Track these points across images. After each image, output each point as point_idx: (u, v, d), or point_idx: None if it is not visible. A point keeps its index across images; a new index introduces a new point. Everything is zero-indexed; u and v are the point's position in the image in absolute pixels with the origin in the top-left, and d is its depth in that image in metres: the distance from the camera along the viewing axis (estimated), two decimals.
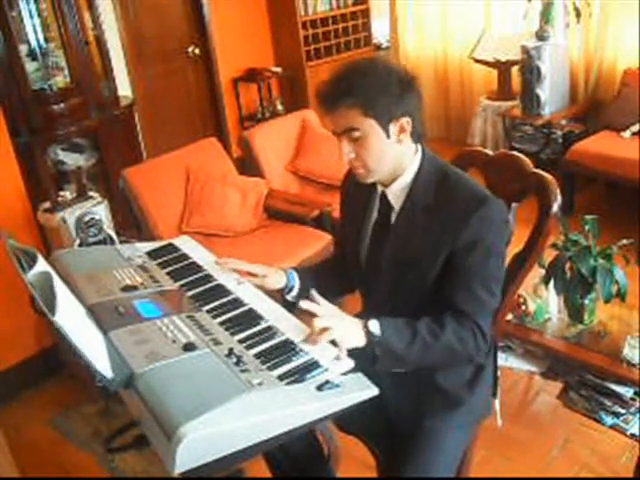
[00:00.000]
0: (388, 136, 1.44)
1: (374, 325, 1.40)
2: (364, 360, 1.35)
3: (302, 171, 3.54)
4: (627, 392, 2.38)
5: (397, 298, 1.55)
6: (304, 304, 1.41)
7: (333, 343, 1.36)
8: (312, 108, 4.14)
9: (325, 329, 1.35)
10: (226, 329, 1.42)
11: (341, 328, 1.37)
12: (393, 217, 1.55)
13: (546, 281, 2.42)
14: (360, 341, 1.38)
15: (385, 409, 1.53)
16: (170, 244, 1.86)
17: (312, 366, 1.30)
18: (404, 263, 1.52)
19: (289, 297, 1.69)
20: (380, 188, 1.57)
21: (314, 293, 1.44)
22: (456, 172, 1.53)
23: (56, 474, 2.44)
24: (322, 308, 1.41)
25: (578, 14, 4.20)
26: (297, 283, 1.67)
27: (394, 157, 1.48)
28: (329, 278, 1.77)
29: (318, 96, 1.46)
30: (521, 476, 2.19)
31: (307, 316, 1.40)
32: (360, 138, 1.43)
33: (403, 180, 1.52)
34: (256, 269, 1.64)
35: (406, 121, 1.44)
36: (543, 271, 2.42)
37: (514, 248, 1.69)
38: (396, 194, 1.53)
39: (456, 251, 1.45)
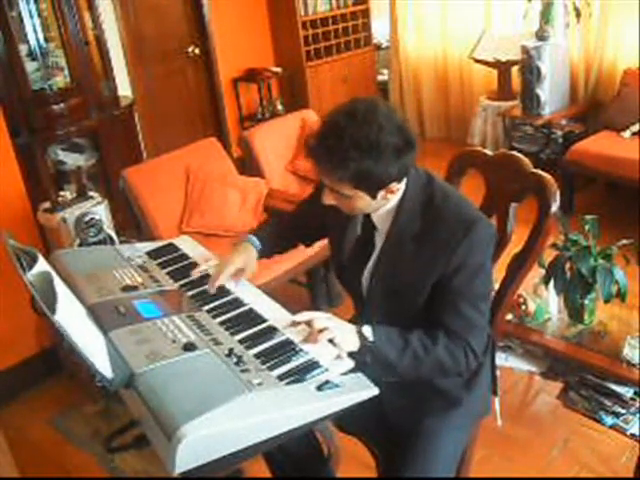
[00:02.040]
0: (375, 199, 1.42)
1: (367, 331, 1.41)
2: (355, 366, 1.35)
3: (302, 171, 3.54)
4: (627, 392, 2.38)
5: (387, 319, 1.52)
6: (297, 317, 1.42)
7: (332, 345, 1.37)
8: (312, 108, 4.15)
9: (325, 328, 1.37)
10: (226, 329, 1.42)
11: (338, 329, 1.39)
12: (377, 237, 1.53)
13: (546, 281, 2.42)
14: (354, 345, 1.39)
15: (384, 409, 1.54)
16: (170, 244, 1.86)
17: (312, 366, 1.31)
18: (394, 291, 1.51)
19: None
20: None
21: (302, 315, 1.43)
22: (442, 190, 1.49)
23: (56, 474, 2.44)
24: (316, 314, 1.42)
25: (578, 14, 4.21)
26: (258, 246, 1.70)
27: (378, 206, 1.47)
28: (283, 234, 1.80)
29: (307, 148, 1.39)
30: (521, 476, 2.19)
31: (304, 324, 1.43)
32: (346, 198, 1.41)
33: (388, 206, 1.49)
34: (237, 265, 1.64)
35: (396, 187, 1.42)
36: (543, 271, 2.42)
37: (514, 248, 1.69)
38: (381, 217, 1.51)
39: (444, 275, 1.44)
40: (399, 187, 1.43)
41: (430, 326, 1.46)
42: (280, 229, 1.82)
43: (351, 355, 1.37)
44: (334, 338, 1.37)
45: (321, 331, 1.37)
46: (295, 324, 1.43)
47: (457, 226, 1.42)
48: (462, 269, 1.42)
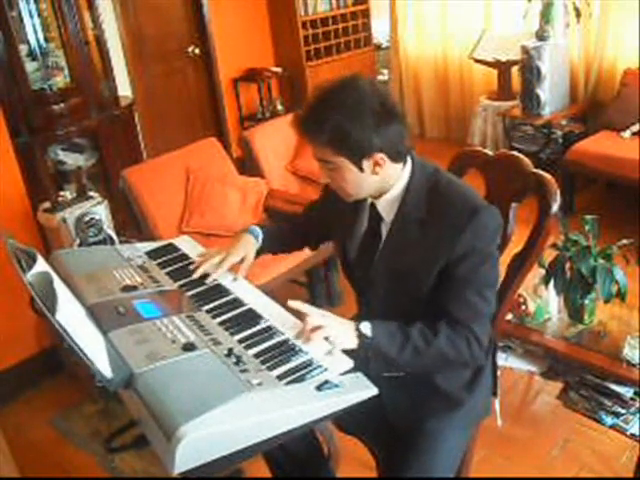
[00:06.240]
0: (362, 170, 1.41)
1: (366, 327, 1.40)
2: (358, 362, 1.34)
3: (302, 171, 3.54)
4: (627, 392, 2.37)
5: (392, 308, 1.53)
6: (292, 303, 1.41)
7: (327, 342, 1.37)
8: None
9: (318, 327, 1.36)
10: (226, 329, 1.42)
11: (334, 328, 1.38)
12: (383, 228, 1.53)
13: (546, 281, 2.42)
14: (352, 343, 1.38)
15: (384, 409, 1.53)
16: (170, 244, 1.86)
17: (311, 366, 1.30)
18: (398, 276, 1.51)
19: None
20: (369, 199, 1.54)
21: (299, 303, 1.42)
22: (447, 178, 1.51)
23: (56, 474, 2.44)
24: (311, 308, 1.41)
25: (578, 14, 4.21)
26: (260, 238, 1.72)
27: (372, 185, 1.46)
28: (290, 235, 1.84)
29: (294, 122, 1.44)
30: (521, 476, 2.19)
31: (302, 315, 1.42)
32: (334, 169, 1.42)
33: (392, 194, 1.49)
34: (236, 258, 1.66)
35: (380, 157, 1.40)
36: (543, 271, 2.42)
37: (514, 248, 1.69)
38: (386, 206, 1.51)
39: (450, 261, 1.43)
40: (383, 158, 1.40)
41: (434, 316, 1.45)
42: (285, 230, 1.85)
43: (353, 351, 1.37)
44: (329, 336, 1.36)
45: (315, 329, 1.36)
46: (299, 326, 1.42)
47: (462, 211, 1.42)
48: (468, 256, 1.42)
